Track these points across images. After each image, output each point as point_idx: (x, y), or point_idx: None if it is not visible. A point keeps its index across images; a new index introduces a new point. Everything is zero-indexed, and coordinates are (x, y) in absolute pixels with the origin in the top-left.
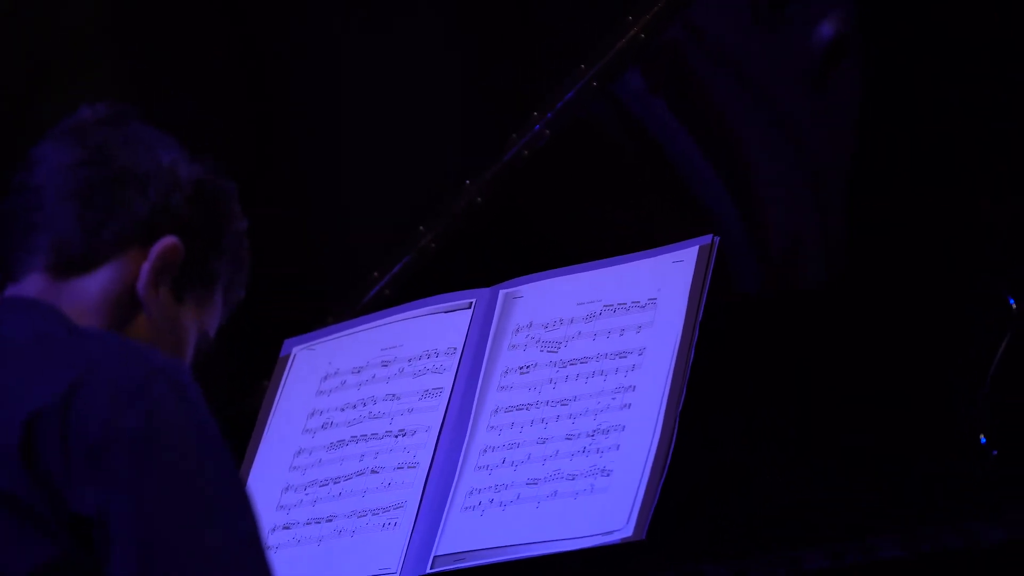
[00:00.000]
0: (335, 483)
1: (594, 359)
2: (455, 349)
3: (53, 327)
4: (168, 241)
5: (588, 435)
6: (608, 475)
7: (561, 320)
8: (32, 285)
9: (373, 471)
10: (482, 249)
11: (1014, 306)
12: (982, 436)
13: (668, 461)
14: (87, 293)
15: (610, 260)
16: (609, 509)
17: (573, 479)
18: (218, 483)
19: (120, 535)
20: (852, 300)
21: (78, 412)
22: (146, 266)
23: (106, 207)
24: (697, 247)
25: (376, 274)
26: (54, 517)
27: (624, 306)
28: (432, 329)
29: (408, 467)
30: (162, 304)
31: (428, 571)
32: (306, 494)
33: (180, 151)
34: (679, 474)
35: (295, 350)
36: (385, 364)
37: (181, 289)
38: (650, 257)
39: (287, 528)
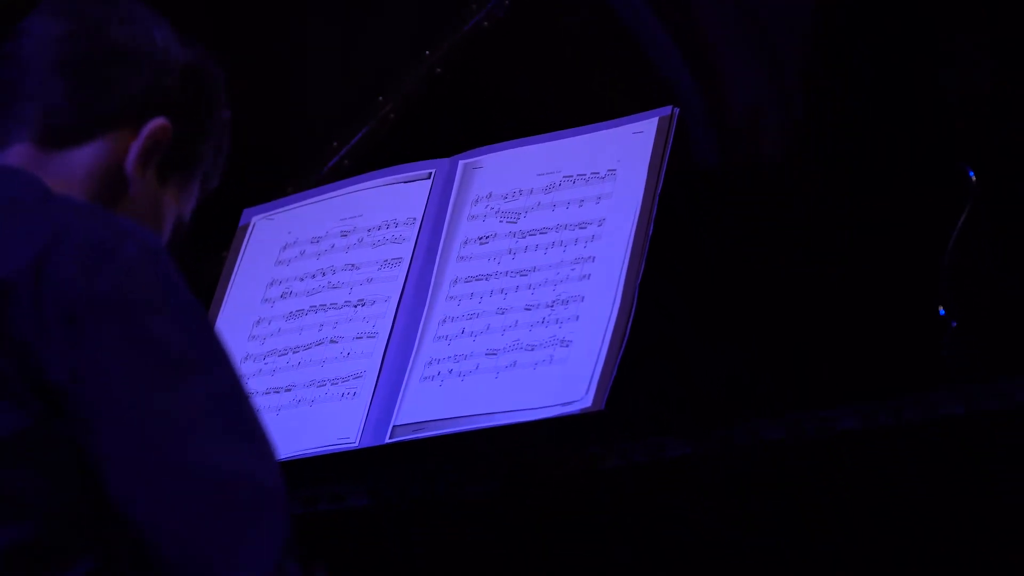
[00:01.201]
0: (294, 353)
1: (553, 230)
2: (414, 219)
3: (27, 194)
4: (159, 122)
5: (547, 306)
6: (567, 346)
7: (521, 191)
8: (17, 155)
9: (332, 341)
10: (442, 120)
11: (973, 179)
12: (941, 308)
13: (628, 332)
14: (73, 167)
15: (570, 131)
16: (568, 380)
17: (532, 350)
18: (195, 342)
19: (94, 399)
20: (811, 173)
21: (49, 277)
22: (136, 145)
23: (98, 82)
24: (657, 118)
25: (335, 144)
26: (26, 386)
27: (584, 177)
28: (391, 199)
29: (367, 337)
30: (147, 184)
31: (387, 440)
32: (265, 363)
33: (172, 33)
34: (639, 345)
35: (254, 219)
36: (344, 234)
37: (166, 172)
38: (610, 128)
39: None
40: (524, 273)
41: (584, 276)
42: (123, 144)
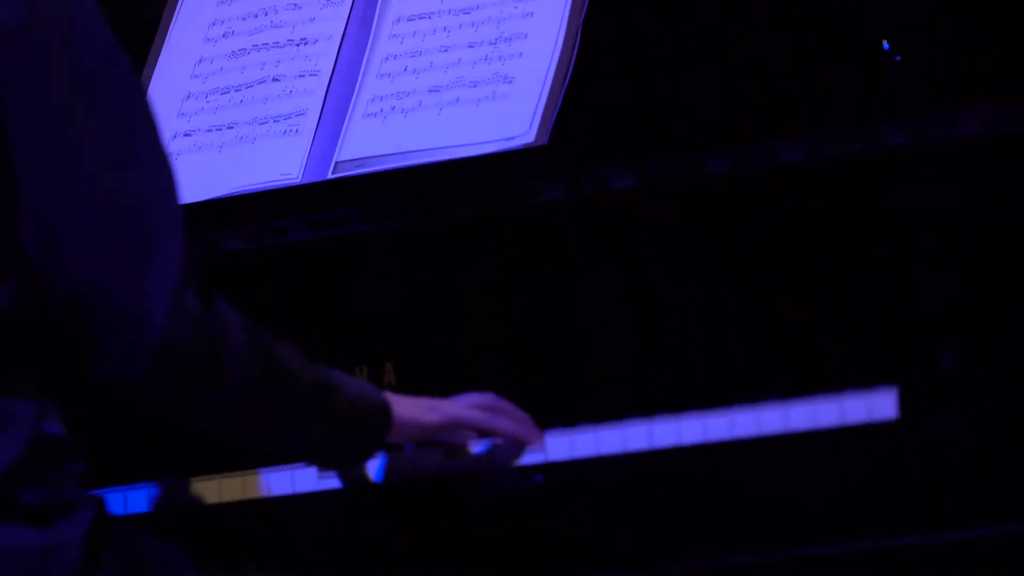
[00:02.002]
0: (236, 91)
1: None
2: None
3: None
4: None
5: (490, 43)
6: (510, 82)
7: None
8: None
9: (275, 79)
10: None
11: None
12: (885, 42)
13: (571, 69)
14: None
15: None
16: (511, 115)
17: (475, 86)
18: (114, 85)
19: (11, 145)
20: None
21: None
22: None
23: None
24: None
25: None
26: None
27: None
28: None
29: (310, 75)
30: None
31: (329, 176)
32: (207, 102)
33: None
34: (582, 81)
35: None
36: None
37: None
38: None
39: (188, 135)
40: (467, 11)
41: (528, 14)
42: None
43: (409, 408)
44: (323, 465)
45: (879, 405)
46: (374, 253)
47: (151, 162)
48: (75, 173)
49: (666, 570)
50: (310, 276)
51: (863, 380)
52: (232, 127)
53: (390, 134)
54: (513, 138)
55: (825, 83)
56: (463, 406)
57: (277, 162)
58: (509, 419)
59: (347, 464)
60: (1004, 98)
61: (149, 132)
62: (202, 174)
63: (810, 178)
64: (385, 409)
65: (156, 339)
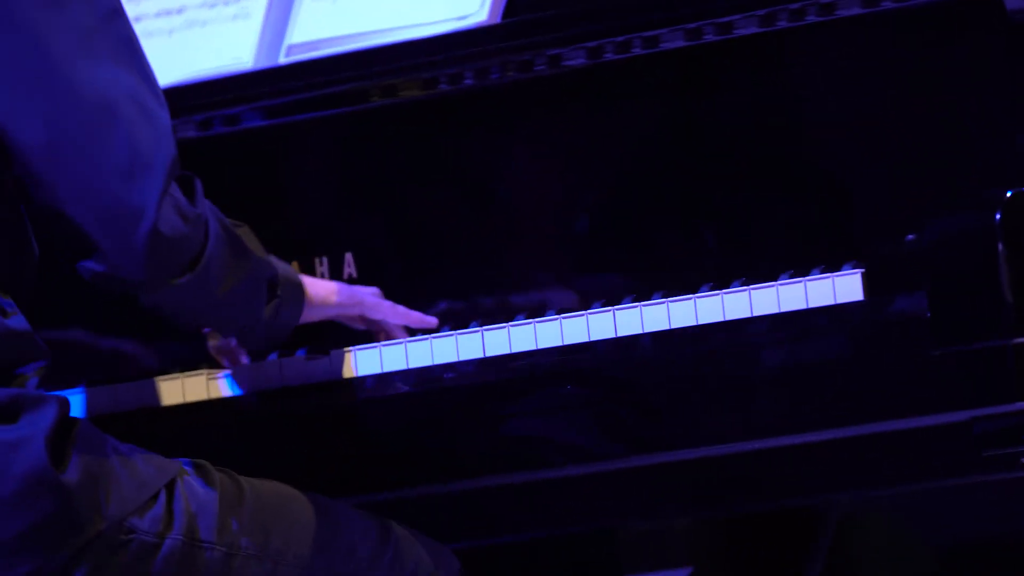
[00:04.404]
0: None
1: None
2: None
3: None
4: None
5: None
6: None
7: None
8: None
9: None
10: None
11: None
12: None
13: None
14: None
15: None
16: None
17: None
18: None
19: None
20: None
21: None
22: None
23: None
24: None
25: None
26: None
27: None
28: None
29: None
30: None
31: (281, 61)
32: None
33: None
34: None
35: None
36: None
37: None
38: None
39: (137, 20)
40: None
41: None
42: None
43: (317, 288)
44: (254, 343)
45: (845, 287)
46: (329, 139)
47: (128, 53)
48: (53, 65)
49: (632, 464)
50: (265, 165)
51: (829, 262)
52: (181, 11)
53: (341, 15)
54: (465, 17)
55: None
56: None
57: (228, 47)
58: (404, 308)
59: (274, 343)
60: None
61: (123, 23)
62: (152, 60)
63: (765, 52)
64: (301, 287)
65: (150, 230)
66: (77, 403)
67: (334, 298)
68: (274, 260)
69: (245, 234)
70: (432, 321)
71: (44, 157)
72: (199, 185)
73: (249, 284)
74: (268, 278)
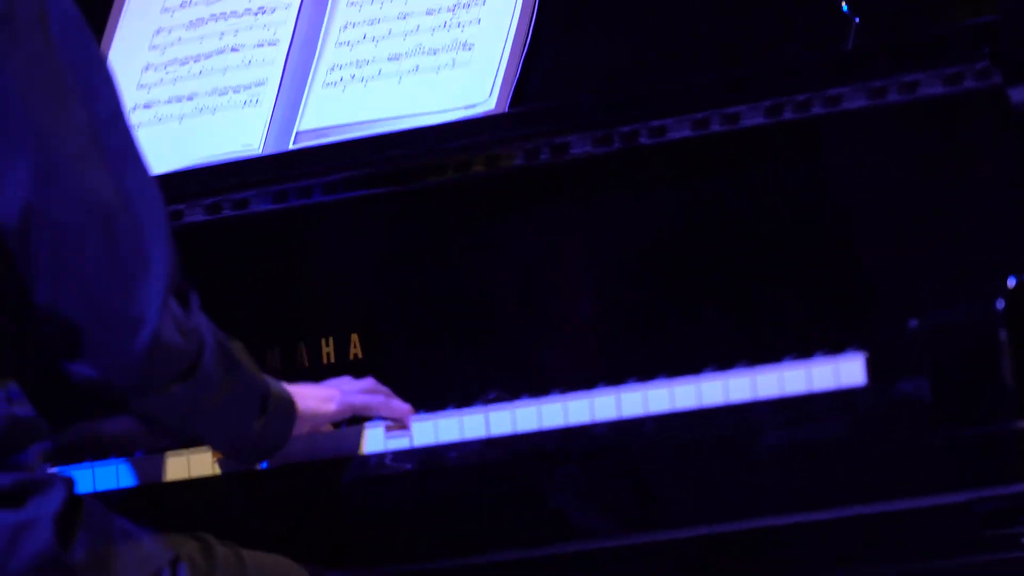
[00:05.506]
0: (195, 61)
1: None
2: None
3: None
4: None
5: (449, 9)
6: (470, 49)
7: None
8: None
9: (233, 49)
10: None
11: None
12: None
13: (530, 34)
14: None
15: None
16: (471, 83)
17: (435, 53)
18: (80, 61)
19: None
20: None
21: None
22: None
23: None
24: None
25: None
26: None
27: None
28: None
29: (269, 44)
30: None
31: (290, 147)
32: (166, 72)
33: None
34: (542, 47)
35: None
36: None
37: None
38: None
39: (148, 107)
40: None
41: None
42: None
43: (308, 401)
44: (244, 458)
45: (847, 371)
46: (337, 223)
47: (131, 157)
48: (56, 164)
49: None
50: (273, 248)
51: (832, 346)
52: (192, 98)
53: (350, 103)
54: (473, 105)
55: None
56: (355, 391)
57: (238, 133)
58: (398, 402)
59: (262, 456)
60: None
61: (125, 126)
62: (163, 146)
63: (772, 142)
64: (292, 403)
65: (148, 342)
66: (85, 478)
67: (326, 408)
68: (267, 378)
69: (238, 349)
70: (408, 417)
71: (47, 258)
72: (195, 298)
73: (240, 397)
74: (260, 393)
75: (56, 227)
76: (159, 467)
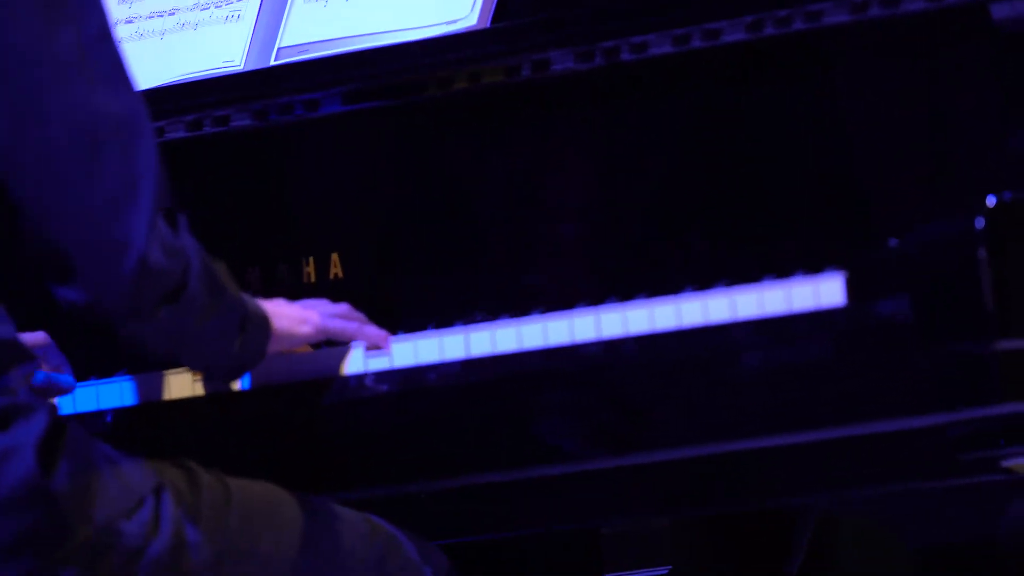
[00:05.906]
0: None
1: None
2: None
3: None
4: None
5: None
6: None
7: None
8: None
9: None
10: None
11: None
12: None
13: None
14: None
15: None
16: None
17: None
18: None
19: None
20: None
21: None
22: None
23: None
24: None
25: None
26: None
27: None
28: None
29: None
30: None
31: (272, 63)
32: None
33: None
34: None
35: None
36: None
37: None
38: None
39: (129, 22)
40: None
41: None
42: None
43: (283, 320)
44: (218, 376)
45: (827, 291)
46: (318, 141)
47: (120, 77)
48: (41, 84)
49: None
50: (254, 165)
51: (812, 266)
52: (174, 12)
53: (332, 19)
54: (455, 21)
55: None
56: (329, 315)
57: (219, 49)
58: (372, 328)
59: (238, 374)
60: None
61: (113, 46)
62: (145, 62)
63: (753, 58)
64: (268, 321)
65: (135, 264)
66: (64, 400)
67: (300, 329)
68: (244, 296)
69: (222, 271)
70: (385, 342)
71: (34, 183)
72: (183, 219)
73: (223, 320)
74: (240, 315)
75: (41, 149)
76: (137, 388)
